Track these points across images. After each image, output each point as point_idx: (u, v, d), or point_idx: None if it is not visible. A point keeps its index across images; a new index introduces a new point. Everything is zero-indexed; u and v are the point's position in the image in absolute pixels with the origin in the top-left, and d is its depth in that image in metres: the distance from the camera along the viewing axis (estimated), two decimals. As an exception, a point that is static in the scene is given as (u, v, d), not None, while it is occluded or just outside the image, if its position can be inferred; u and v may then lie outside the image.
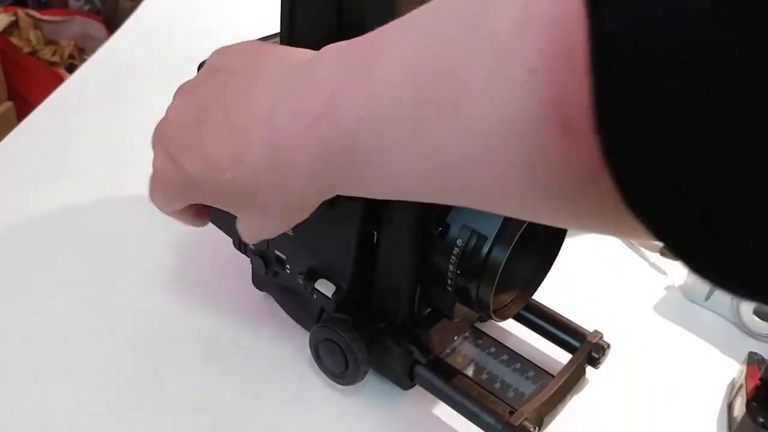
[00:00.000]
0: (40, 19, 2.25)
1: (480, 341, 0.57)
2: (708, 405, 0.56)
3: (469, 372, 0.55)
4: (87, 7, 2.42)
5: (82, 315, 0.58)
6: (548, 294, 0.56)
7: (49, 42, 2.24)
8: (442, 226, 0.46)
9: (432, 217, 0.46)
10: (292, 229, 0.50)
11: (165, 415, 0.51)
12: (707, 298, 0.63)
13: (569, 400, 0.54)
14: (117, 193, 0.70)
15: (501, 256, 0.45)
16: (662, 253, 0.68)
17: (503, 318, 0.51)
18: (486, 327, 0.58)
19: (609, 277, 0.67)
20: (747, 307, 0.61)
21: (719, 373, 0.59)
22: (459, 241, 0.46)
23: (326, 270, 0.51)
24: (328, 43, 0.35)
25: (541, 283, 0.53)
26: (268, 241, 0.54)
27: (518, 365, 0.55)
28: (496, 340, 0.57)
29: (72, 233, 0.65)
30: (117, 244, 0.65)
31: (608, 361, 0.56)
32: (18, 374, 0.53)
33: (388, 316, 0.51)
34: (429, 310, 0.52)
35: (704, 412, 0.56)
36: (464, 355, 0.56)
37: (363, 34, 0.33)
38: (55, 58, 2.19)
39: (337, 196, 0.46)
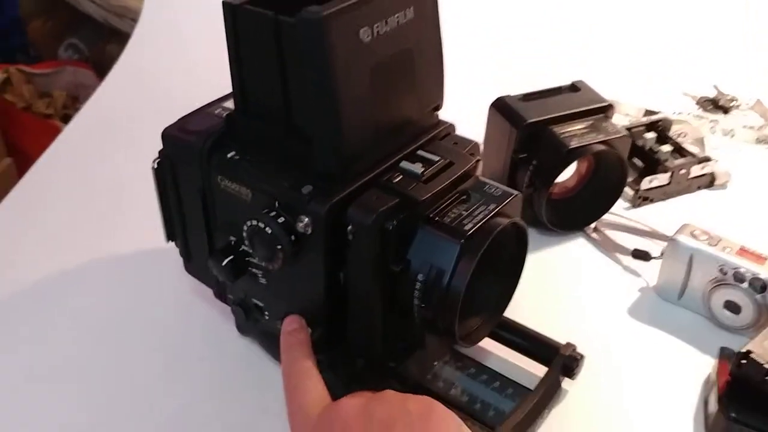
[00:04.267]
0: (31, 73, 2.28)
1: (459, 363, 0.59)
2: (686, 402, 0.58)
3: (451, 394, 0.57)
4: (76, 56, 2.46)
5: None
6: (525, 306, 0.58)
7: (42, 95, 2.27)
8: (402, 263, 0.49)
9: (392, 254, 0.48)
10: (265, 278, 0.53)
11: None
12: (680, 296, 0.65)
13: (547, 414, 0.56)
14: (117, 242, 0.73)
15: (460, 285, 0.47)
16: (634, 256, 0.70)
17: (473, 343, 0.54)
18: (466, 348, 0.60)
19: (584, 284, 0.69)
20: (718, 301, 0.63)
21: (695, 369, 0.60)
22: (420, 276, 0.48)
23: (302, 314, 0.53)
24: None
25: (507, 305, 0.55)
26: (245, 291, 0.56)
27: (497, 384, 0.58)
28: (476, 361, 0.59)
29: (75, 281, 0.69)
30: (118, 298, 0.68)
31: (585, 370, 0.58)
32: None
33: (364, 354, 0.53)
34: (403, 342, 0.55)
35: (682, 409, 0.58)
36: (445, 378, 0.58)
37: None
38: (50, 111, 2.23)
39: (301, 245, 0.49)
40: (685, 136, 0.84)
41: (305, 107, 0.47)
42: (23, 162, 2.02)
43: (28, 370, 0.62)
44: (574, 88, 0.73)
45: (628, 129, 0.80)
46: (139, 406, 0.59)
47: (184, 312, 0.66)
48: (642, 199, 0.77)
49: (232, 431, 0.56)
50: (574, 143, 0.67)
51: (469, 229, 0.48)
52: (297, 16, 0.44)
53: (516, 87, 0.73)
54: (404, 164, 0.50)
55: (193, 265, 0.61)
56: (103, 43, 2.39)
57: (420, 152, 0.51)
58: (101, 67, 2.28)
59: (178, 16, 1.20)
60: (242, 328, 0.61)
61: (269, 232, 0.48)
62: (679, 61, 1.05)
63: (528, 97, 0.72)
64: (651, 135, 0.80)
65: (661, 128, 0.81)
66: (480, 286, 0.51)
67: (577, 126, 0.69)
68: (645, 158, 0.79)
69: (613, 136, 0.69)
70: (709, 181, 0.79)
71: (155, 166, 0.56)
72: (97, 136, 0.92)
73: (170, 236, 0.60)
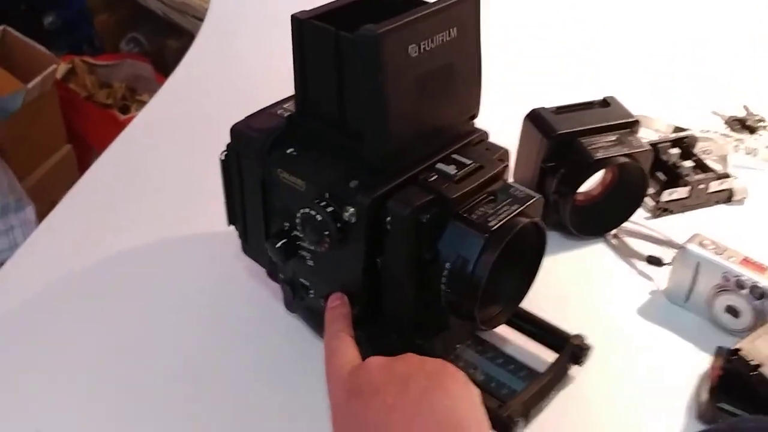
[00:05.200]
0: (94, 65, 2.40)
1: (479, 347, 0.66)
2: (682, 394, 0.64)
3: (469, 373, 0.63)
4: (136, 50, 2.57)
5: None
6: (543, 300, 0.65)
7: (103, 85, 2.39)
8: (433, 251, 0.56)
9: (424, 244, 0.55)
10: (312, 260, 0.61)
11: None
12: (686, 299, 0.71)
13: (554, 395, 0.62)
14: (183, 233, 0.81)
15: (483, 274, 0.54)
16: (649, 261, 0.76)
17: (492, 327, 0.61)
18: (486, 334, 0.67)
19: (599, 284, 0.75)
20: (720, 306, 0.69)
21: (693, 365, 0.66)
22: (447, 264, 0.55)
23: (343, 293, 0.60)
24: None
25: (525, 295, 0.62)
26: (294, 271, 0.64)
27: (512, 366, 0.64)
28: (494, 346, 0.66)
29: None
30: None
31: (593, 360, 0.65)
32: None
33: (396, 330, 0.60)
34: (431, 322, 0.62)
35: (678, 400, 0.64)
36: (465, 359, 0.65)
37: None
38: (109, 101, 2.34)
39: (346, 232, 0.56)
40: (709, 153, 0.89)
41: (358, 110, 0.55)
42: (82, 149, 2.14)
43: (105, 334, 0.70)
44: (605, 103, 0.79)
45: (655, 144, 0.86)
46: (197, 369, 0.67)
47: (240, 289, 0.74)
48: (662, 210, 0.82)
49: (276, 395, 0.64)
50: (599, 155, 0.74)
51: (494, 225, 0.54)
52: (356, 33, 0.51)
53: (555, 100, 0.80)
54: (440, 165, 0.57)
55: (249, 247, 0.69)
56: (162, 38, 2.50)
57: (455, 156, 0.58)
58: (160, 61, 2.39)
59: (243, 17, 1.28)
60: (290, 305, 0.69)
61: (319, 219, 0.56)
62: (712, 81, 1.10)
63: (561, 110, 0.78)
64: (675, 151, 0.86)
65: (686, 145, 0.87)
66: (501, 277, 0.58)
67: (604, 139, 0.75)
68: (668, 172, 0.84)
69: (637, 150, 0.75)
70: (727, 197, 0.85)
71: (223, 157, 0.64)
72: (162, 130, 1.00)
73: (231, 220, 0.68)
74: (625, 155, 0.74)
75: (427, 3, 0.55)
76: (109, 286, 0.76)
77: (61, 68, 2.28)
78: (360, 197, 0.55)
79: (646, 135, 0.93)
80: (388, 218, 0.55)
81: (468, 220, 0.55)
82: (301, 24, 0.55)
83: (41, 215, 1.68)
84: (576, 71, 1.12)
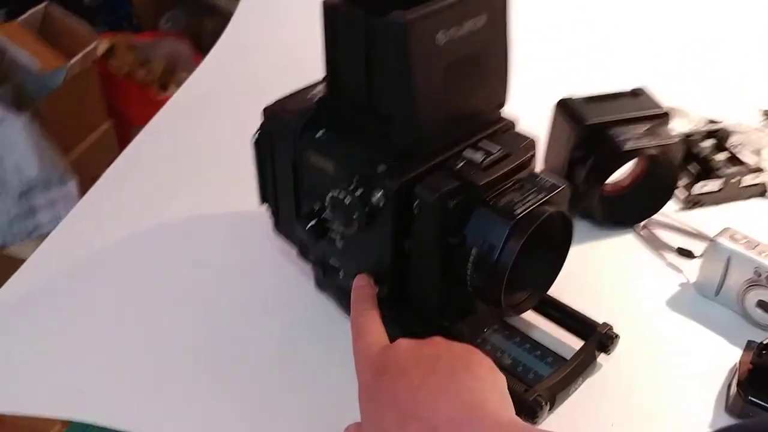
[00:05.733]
0: (134, 42, 2.43)
1: (507, 332, 0.66)
2: (710, 387, 0.64)
3: (497, 356, 0.64)
4: (174, 28, 2.60)
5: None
6: (572, 289, 0.66)
7: (142, 63, 2.42)
8: (459, 237, 0.56)
9: (451, 230, 0.56)
10: (342, 241, 0.62)
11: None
12: (717, 293, 0.71)
13: (581, 382, 0.63)
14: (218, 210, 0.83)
15: (508, 260, 0.55)
16: (679, 253, 0.75)
17: (518, 312, 0.61)
18: (514, 320, 0.68)
19: (628, 275, 0.75)
20: (751, 300, 0.68)
21: (723, 359, 0.66)
22: (474, 250, 0.56)
23: (371, 274, 0.61)
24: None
25: (552, 283, 0.62)
26: (324, 252, 0.65)
27: (539, 352, 0.65)
28: (521, 331, 0.67)
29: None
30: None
31: (621, 350, 0.65)
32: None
33: (422, 313, 0.61)
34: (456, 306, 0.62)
35: (707, 392, 0.64)
36: (493, 344, 0.66)
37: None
38: (149, 78, 2.37)
39: (374, 215, 0.57)
40: (744, 146, 0.88)
41: (386, 95, 0.55)
42: (121, 125, 2.18)
43: (140, 305, 0.73)
44: (635, 93, 0.79)
45: (688, 136, 0.85)
46: (224, 343, 0.69)
47: (271, 267, 0.75)
48: (693, 202, 0.82)
49: (302, 372, 0.65)
50: (629, 146, 0.73)
51: (519, 213, 0.55)
52: (384, 19, 0.51)
53: (586, 89, 0.80)
54: (467, 152, 0.57)
55: (281, 226, 0.70)
56: (200, 18, 2.53)
57: (482, 143, 0.59)
58: (197, 40, 2.42)
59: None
60: (320, 284, 0.70)
61: (347, 202, 0.57)
62: (749, 72, 1.08)
63: (591, 99, 0.78)
64: (708, 143, 0.85)
65: (719, 137, 0.86)
66: (527, 264, 0.59)
67: (634, 130, 0.75)
68: (700, 164, 0.84)
69: (667, 142, 0.75)
70: (761, 191, 0.84)
71: (255, 138, 0.65)
72: (199, 108, 1.02)
73: (263, 200, 0.70)
74: (655, 146, 0.74)
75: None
76: (145, 260, 0.78)
77: (102, 45, 2.31)
78: (388, 181, 0.55)
79: (678, 127, 0.93)
80: (416, 203, 0.55)
81: (494, 207, 0.56)
82: (331, 9, 0.55)
83: (83, 190, 1.72)
84: (609, 61, 1.11)
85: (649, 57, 1.11)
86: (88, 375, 0.66)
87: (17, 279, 0.76)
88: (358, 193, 0.56)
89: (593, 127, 0.75)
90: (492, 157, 0.57)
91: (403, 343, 0.52)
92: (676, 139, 0.75)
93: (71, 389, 0.65)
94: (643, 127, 0.76)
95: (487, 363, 0.50)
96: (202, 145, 0.95)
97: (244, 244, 0.78)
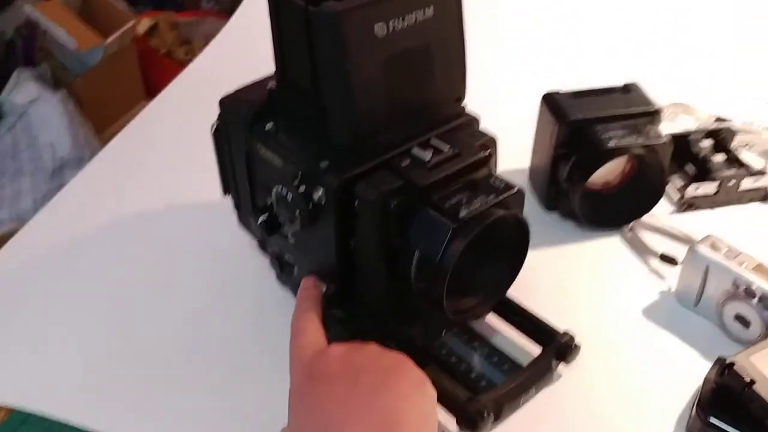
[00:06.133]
0: (176, 21, 2.45)
1: (465, 336, 0.64)
2: (675, 405, 0.61)
3: (451, 362, 0.62)
4: (217, 8, 2.61)
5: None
6: (544, 291, 0.63)
7: (183, 42, 2.44)
8: (402, 238, 0.54)
9: (393, 230, 0.54)
10: (293, 237, 0.60)
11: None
12: (696, 303, 0.67)
13: (534, 392, 0.60)
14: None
15: (449, 264, 0.52)
16: (662, 259, 0.72)
17: (465, 319, 0.59)
18: (477, 323, 0.65)
19: (606, 280, 0.72)
20: (729, 313, 0.64)
21: (693, 375, 0.62)
22: (417, 252, 0.54)
23: (320, 272, 0.60)
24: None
25: (506, 290, 0.60)
26: (280, 247, 0.64)
27: (496, 359, 0.62)
28: (482, 336, 0.64)
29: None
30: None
31: (585, 359, 0.62)
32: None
33: (370, 314, 0.59)
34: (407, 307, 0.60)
35: (670, 410, 0.60)
36: (449, 347, 0.63)
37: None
38: (188, 57, 2.39)
39: (317, 212, 0.55)
40: (750, 147, 0.83)
41: (325, 87, 0.53)
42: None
43: (117, 290, 0.73)
44: (626, 89, 0.75)
45: (687, 135, 0.81)
46: (189, 330, 0.68)
47: (238, 257, 0.74)
48: (687, 205, 0.78)
49: (266, 361, 0.64)
50: (612, 144, 0.70)
51: (464, 216, 0.52)
52: (319, 8, 0.49)
53: (588, 82, 0.76)
54: (416, 150, 0.55)
55: (242, 218, 0.69)
56: (242, -2, 2.53)
57: (433, 141, 0.56)
58: (239, 21, 2.42)
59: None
60: (279, 278, 0.68)
61: (290, 198, 0.55)
62: (764, 70, 1.03)
63: (579, 94, 0.75)
64: (708, 143, 0.80)
65: (721, 137, 0.81)
66: (478, 269, 0.56)
67: (620, 127, 0.71)
68: (698, 165, 0.79)
69: (654, 142, 0.71)
70: (761, 196, 0.79)
71: (213, 129, 0.64)
72: (197, 94, 1.01)
73: (226, 190, 0.69)
74: (640, 146, 0.70)
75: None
76: (118, 249, 0.78)
77: (145, 23, 2.34)
78: (329, 178, 0.53)
79: (685, 124, 0.88)
80: (357, 201, 0.53)
81: (438, 208, 0.53)
82: (275, -2, 0.54)
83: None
84: (616, 53, 1.05)
85: (659, 50, 1.06)
86: (52, 365, 0.66)
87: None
88: (301, 189, 0.55)
89: (576, 124, 0.72)
90: (440, 156, 0.55)
91: (334, 349, 0.51)
92: (664, 139, 0.71)
93: (32, 379, 0.65)
94: (629, 125, 0.72)
95: (415, 377, 0.49)
96: (194, 130, 0.94)
97: (221, 232, 0.77)
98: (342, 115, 0.53)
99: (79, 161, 1.94)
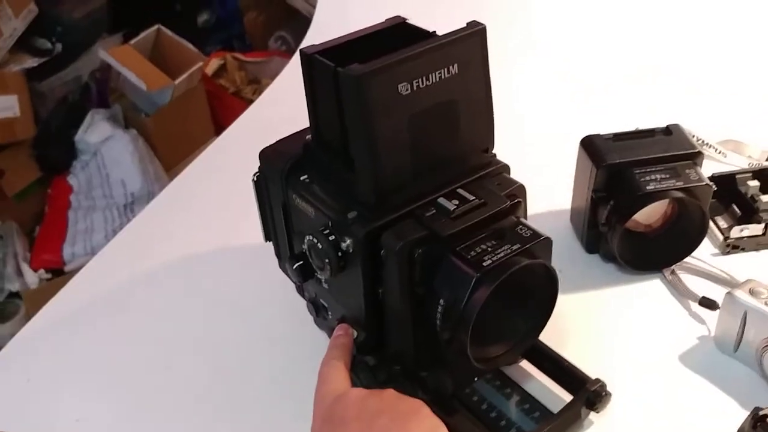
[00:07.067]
0: (244, 61, 2.53)
1: (498, 382, 0.65)
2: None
3: (482, 408, 0.63)
4: (284, 48, 2.69)
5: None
6: (580, 335, 0.63)
7: (251, 81, 2.51)
8: (427, 286, 0.55)
9: (418, 279, 0.55)
10: (327, 283, 0.62)
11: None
12: (735, 349, 0.66)
13: (564, 441, 0.60)
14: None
15: (472, 312, 0.53)
16: (701, 303, 0.71)
17: (492, 367, 0.59)
18: (510, 369, 0.66)
19: (645, 323, 0.71)
20: (770, 362, 0.63)
21: (730, 425, 0.61)
22: (441, 300, 0.55)
23: (351, 319, 0.61)
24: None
25: (536, 338, 0.60)
26: (315, 292, 0.66)
27: (527, 406, 0.63)
28: (515, 382, 0.65)
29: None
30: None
31: (617, 406, 0.62)
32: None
33: (399, 361, 0.60)
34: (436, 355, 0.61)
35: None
36: (481, 394, 0.64)
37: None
38: (255, 97, 2.46)
39: (346, 261, 0.57)
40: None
41: (352, 144, 0.55)
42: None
43: (167, 321, 0.77)
44: (667, 131, 0.75)
45: (732, 175, 0.80)
46: (233, 375, 0.71)
47: (281, 299, 0.77)
48: (732, 247, 0.76)
49: (297, 402, 0.65)
50: (650, 187, 0.70)
51: (487, 265, 0.53)
52: (344, 71, 0.52)
53: (640, 122, 0.77)
54: (441, 200, 0.56)
55: (282, 263, 0.71)
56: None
57: (459, 191, 0.57)
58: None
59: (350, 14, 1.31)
60: (316, 322, 0.70)
61: (320, 246, 0.57)
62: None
63: (618, 137, 0.75)
64: (755, 183, 0.79)
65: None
66: (504, 318, 0.57)
67: (659, 171, 0.71)
68: (744, 206, 0.78)
69: (694, 185, 0.70)
70: (813, 238, 0.77)
71: (254, 179, 0.67)
72: (266, 129, 1.05)
73: (267, 237, 0.71)
74: (679, 189, 0.70)
75: (433, 37, 0.55)
76: (166, 289, 0.82)
77: (213, 63, 2.42)
78: (356, 229, 0.55)
79: (736, 161, 0.87)
80: (383, 251, 0.55)
81: (462, 257, 0.54)
82: (308, 58, 0.56)
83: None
84: (669, 91, 1.04)
85: (711, 86, 1.04)
86: (93, 403, 0.70)
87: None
88: (331, 238, 0.57)
89: (614, 167, 0.72)
90: (465, 205, 0.56)
91: (353, 393, 0.52)
92: (704, 182, 0.71)
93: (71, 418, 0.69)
94: (669, 168, 0.71)
95: (430, 423, 0.50)
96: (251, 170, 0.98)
97: (264, 274, 0.80)
98: (368, 175, 0.55)
99: (149, 197, 2.01)
